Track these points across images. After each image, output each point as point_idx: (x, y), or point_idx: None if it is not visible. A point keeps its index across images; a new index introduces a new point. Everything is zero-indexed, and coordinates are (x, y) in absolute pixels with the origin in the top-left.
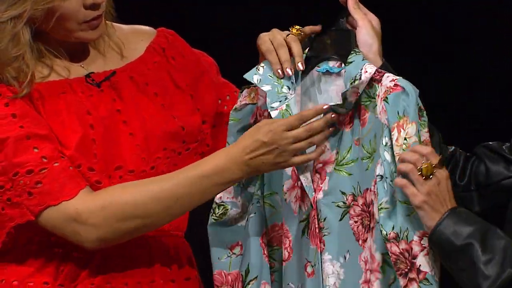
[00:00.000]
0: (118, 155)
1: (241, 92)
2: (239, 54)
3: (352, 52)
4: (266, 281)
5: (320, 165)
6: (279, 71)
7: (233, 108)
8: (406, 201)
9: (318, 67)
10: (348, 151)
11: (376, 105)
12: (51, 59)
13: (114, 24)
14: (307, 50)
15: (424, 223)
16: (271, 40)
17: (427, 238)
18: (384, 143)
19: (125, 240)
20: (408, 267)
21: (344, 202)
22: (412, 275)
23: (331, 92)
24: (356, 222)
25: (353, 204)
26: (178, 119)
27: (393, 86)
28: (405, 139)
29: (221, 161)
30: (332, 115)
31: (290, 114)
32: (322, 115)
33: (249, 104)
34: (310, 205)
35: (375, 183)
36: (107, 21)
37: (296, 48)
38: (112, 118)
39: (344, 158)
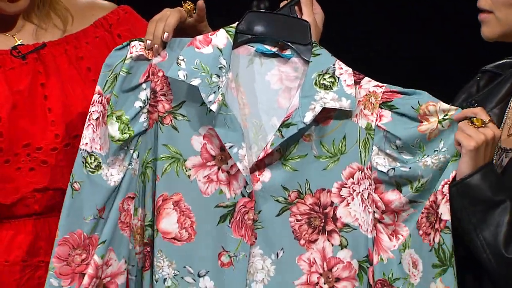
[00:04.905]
0: (28, 131)
1: (131, 43)
2: None
3: (314, 44)
4: (112, 248)
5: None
6: (148, 42)
7: (129, 56)
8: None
9: (252, 46)
10: (295, 146)
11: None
12: None
13: None
14: (236, 24)
15: (460, 169)
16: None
17: (451, 184)
18: (381, 149)
19: None
20: (435, 218)
21: (285, 198)
22: (436, 225)
23: (270, 76)
24: (298, 220)
25: (297, 202)
26: None
27: (390, 93)
28: (445, 114)
29: None
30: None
31: (225, 105)
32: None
33: (143, 59)
34: (240, 194)
35: (342, 187)
36: None
37: (170, 20)
38: (33, 92)
39: (290, 153)
